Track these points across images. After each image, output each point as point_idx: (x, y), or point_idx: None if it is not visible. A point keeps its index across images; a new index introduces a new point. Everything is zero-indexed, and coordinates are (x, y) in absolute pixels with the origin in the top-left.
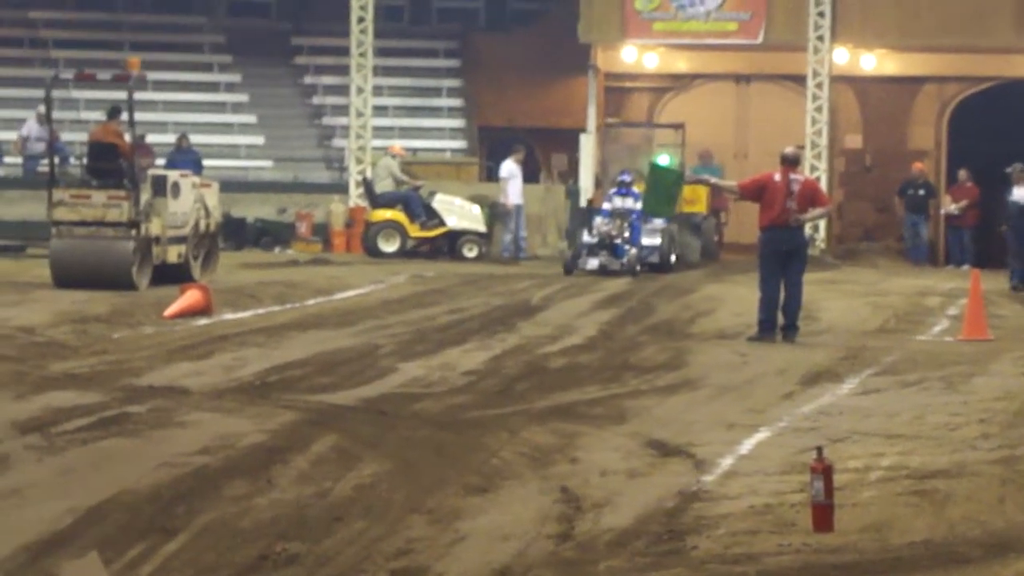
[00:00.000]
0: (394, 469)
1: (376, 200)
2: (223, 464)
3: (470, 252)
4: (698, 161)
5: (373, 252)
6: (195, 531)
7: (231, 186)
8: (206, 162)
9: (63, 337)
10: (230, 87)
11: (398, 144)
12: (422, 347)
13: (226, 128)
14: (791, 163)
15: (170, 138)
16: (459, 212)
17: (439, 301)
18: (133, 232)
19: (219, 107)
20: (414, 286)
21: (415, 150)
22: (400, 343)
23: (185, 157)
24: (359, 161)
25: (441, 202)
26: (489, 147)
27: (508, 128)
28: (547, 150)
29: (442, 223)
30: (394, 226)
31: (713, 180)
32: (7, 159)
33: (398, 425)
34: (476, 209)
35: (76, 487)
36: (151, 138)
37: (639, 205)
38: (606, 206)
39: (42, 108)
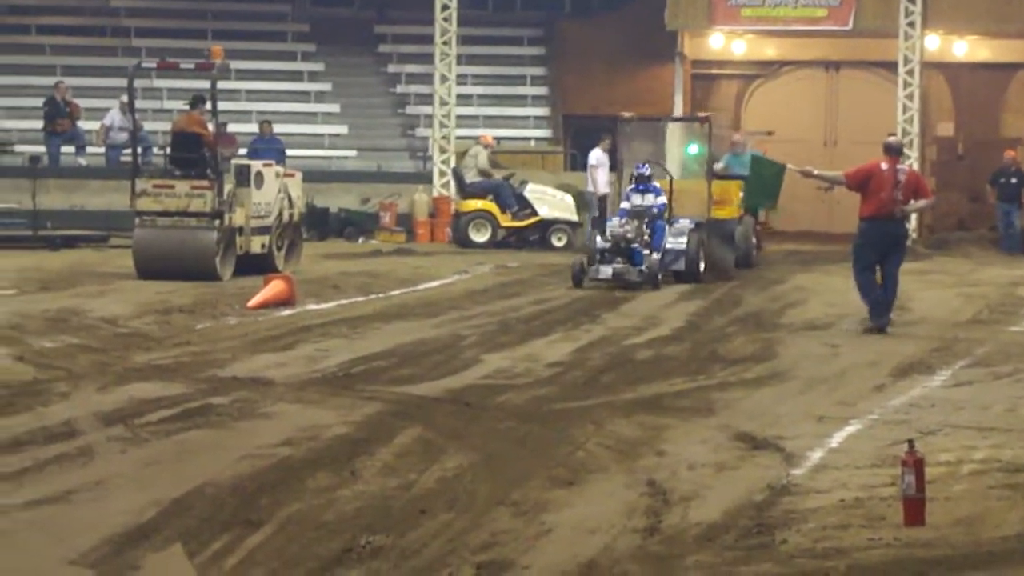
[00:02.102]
0: (479, 461)
1: (466, 190)
2: (307, 456)
3: (559, 241)
4: (728, 150)
5: (464, 242)
6: (279, 523)
7: (314, 175)
8: (289, 151)
9: (146, 328)
10: (314, 76)
11: (489, 134)
12: (506, 338)
13: (310, 117)
14: (895, 153)
15: (253, 127)
16: (551, 201)
17: (523, 292)
18: (216, 222)
19: (303, 96)
20: (498, 276)
21: (499, 139)
22: (484, 334)
23: (268, 146)
24: (443, 150)
25: (533, 191)
26: (574, 136)
27: (593, 116)
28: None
29: (534, 212)
30: (485, 216)
31: (816, 171)
32: (91, 149)
33: (482, 417)
34: (568, 198)
35: (159, 479)
36: (234, 127)
37: (660, 200)
38: (624, 205)
39: (124, 97)
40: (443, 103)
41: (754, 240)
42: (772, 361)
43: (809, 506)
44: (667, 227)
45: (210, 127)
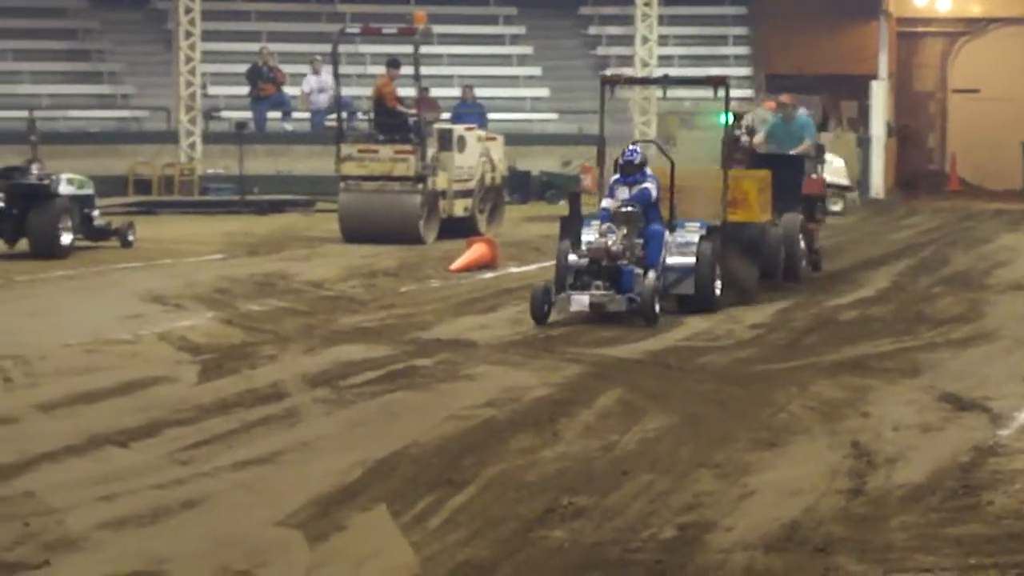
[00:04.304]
0: (680, 423)
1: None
2: (510, 417)
3: (835, 206)
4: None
5: None
6: (482, 484)
7: (516, 139)
8: (491, 115)
9: (352, 291)
10: (515, 39)
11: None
12: None
13: (511, 81)
14: None
15: (456, 92)
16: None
17: None
18: (420, 186)
19: (504, 60)
20: None
21: (700, 100)
22: None
23: (470, 111)
24: (643, 112)
25: None
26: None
27: (797, 76)
28: (837, 98)
29: None
30: None
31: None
32: (297, 114)
33: (684, 379)
34: (840, 162)
35: (365, 440)
36: (437, 92)
37: (646, 185)
38: (605, 204)
39: (318, 59)
40: (644, 64)
41: (803, 244)
42: (979, 321)
43: (1016, 467)
44: (666, 233)
45: (397, 91)
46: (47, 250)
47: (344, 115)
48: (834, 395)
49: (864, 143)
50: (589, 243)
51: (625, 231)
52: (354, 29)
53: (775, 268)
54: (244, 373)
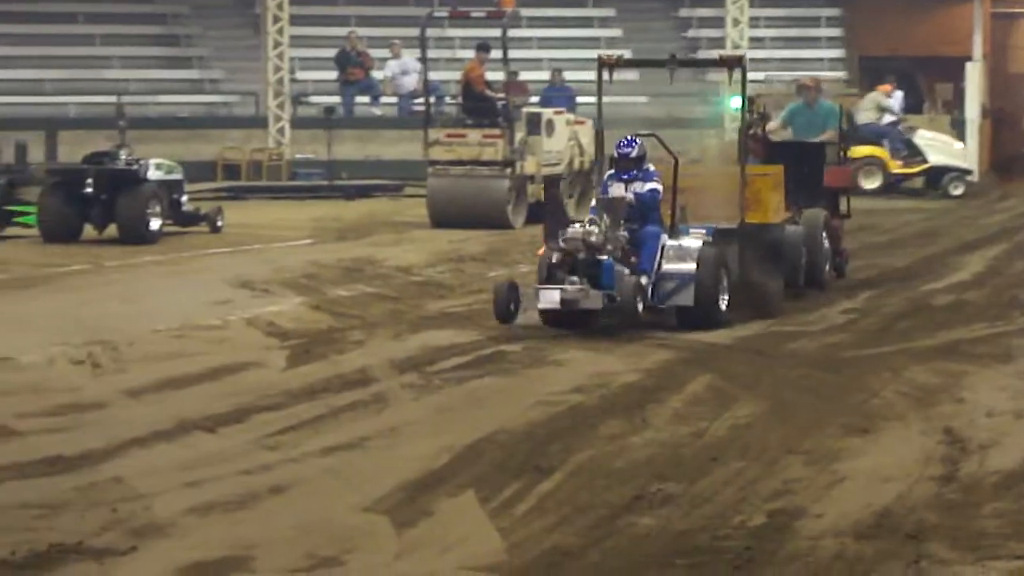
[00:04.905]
0: (770, 409)
1: (858, 133)
2: (598, 403)
3: (956, 190)
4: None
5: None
6: (570, 470)
7: (609, 122)
8: (580, 99)
9: (440, 276)
10: (604, 22)
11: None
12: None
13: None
14: None
15: (544, 75)
16: (942, 148)
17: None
18: (508, 171)
19: (593, 42)
20: None
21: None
22: None
23: (559, 94)
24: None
25: (923, 137)
26: (871, 78)
27: (890, 57)
28: (931, 79)
29: (924, 159)
30: (875, 162)
31: None
32: (385, 99)
33: (775, 365)
34: (959, 145)
35: (452, 426)
36: (525, 75)
37: (651, 187)
38: (610, 197)
39: (396, 43)
40: (735, 46)
41: (827, 245)
42: None
43: None
44: (663, 237)
45: (486, 76)
46: (136, 236)
47: (432, 99)
48: (927, 381)
49: (958, 125)
50: (563, 233)
51: (609, 222)
52: (442, 13)
53: (796, 272)
54: (332, 358)
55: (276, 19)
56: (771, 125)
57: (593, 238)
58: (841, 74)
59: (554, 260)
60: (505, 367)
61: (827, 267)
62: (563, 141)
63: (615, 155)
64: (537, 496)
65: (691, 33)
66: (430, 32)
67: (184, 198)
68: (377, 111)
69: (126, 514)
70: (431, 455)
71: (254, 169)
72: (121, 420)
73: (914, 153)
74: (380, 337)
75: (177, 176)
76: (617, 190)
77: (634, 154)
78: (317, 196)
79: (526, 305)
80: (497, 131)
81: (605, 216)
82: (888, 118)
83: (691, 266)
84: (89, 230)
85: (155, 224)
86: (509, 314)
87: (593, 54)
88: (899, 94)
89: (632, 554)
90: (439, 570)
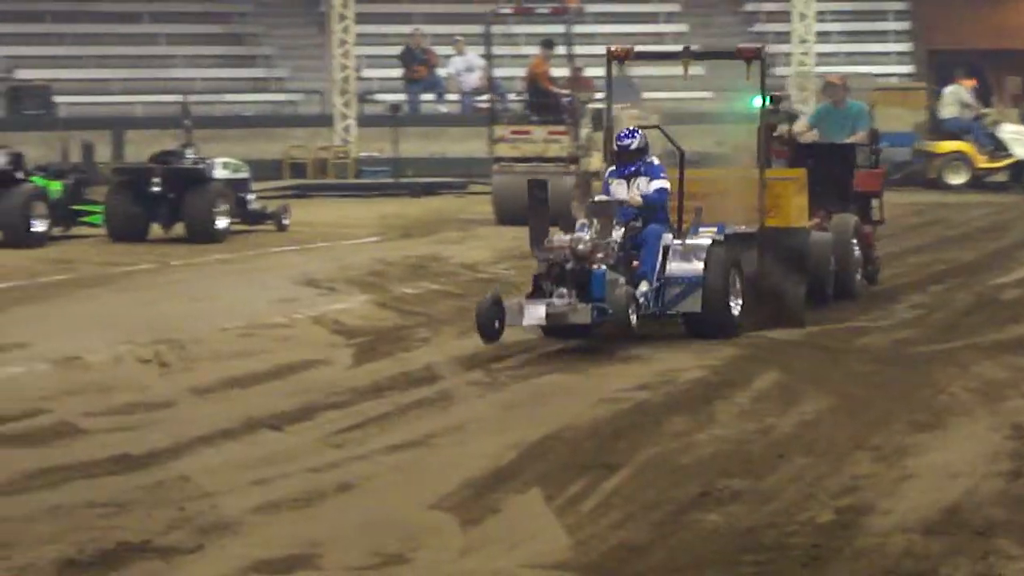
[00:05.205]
0: (838, 405)
1: (942, 128)
2: (663, 400)
3: None
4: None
5: (941, 186)
6: (636, 467)
7: (671, 117)
8: (645, 94)
9: (505, 273)
10: (669, 17)
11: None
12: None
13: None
14: None
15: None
16: None
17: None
18: (573, 167)
19: (658, 38)
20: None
21: (860, 75)
22: None
23: (624, 90)
24: (802, 89)
25: (1007, 131)
26: (938, 71)
27: (958, 51)
28: (999, 73)
29: (1009, 153)
30: (961, 157)
31: None
32: (451, 96)
33: (842, 360)
34: None
35: (518, 423)
36: (591, 72)
37: (657, 185)
38: (600, 200)
39: (460, 40)
40: (802, 41)
41: (858, 253)
42: None
43: None
44: (667, 236)
45: (551, 72)
46: (203, 234)
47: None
48: (995, 376)
49: None
50: (550, 241)
51: (600, 227)
52: (506, 9)
53: (825, 281)
54: (397, 356)
55: (341, 17)
56: (798, 126)
57: (581, 246)
58: (909, 68)
59: (540, 270)
60: (570, 364)
61: (858, 276)
62: None
63: (615, 148)
64: (603, 493)
65: (757, 28)
66: (494, 29)
67: (251, 196)
68: (443, 108)
69: (193, 512)
70: (497, 452)
71: (320, 167)
72: (188, 419)
73: (999, 147)
74: (445, 334)
75: (244, 175)
76: (619, 188)
77: (634, 146)
78: (383, 194)
79: (511, 321)
80: (562, 127)
81: (595, 221)
82: (969, 113)
83: (698, 268)
84: (156, 229)
85: (222, 223)
86: (494, 332)
87: (659, 50)
88: (972, 88)
89: (698, 551)
90: (505, 567)
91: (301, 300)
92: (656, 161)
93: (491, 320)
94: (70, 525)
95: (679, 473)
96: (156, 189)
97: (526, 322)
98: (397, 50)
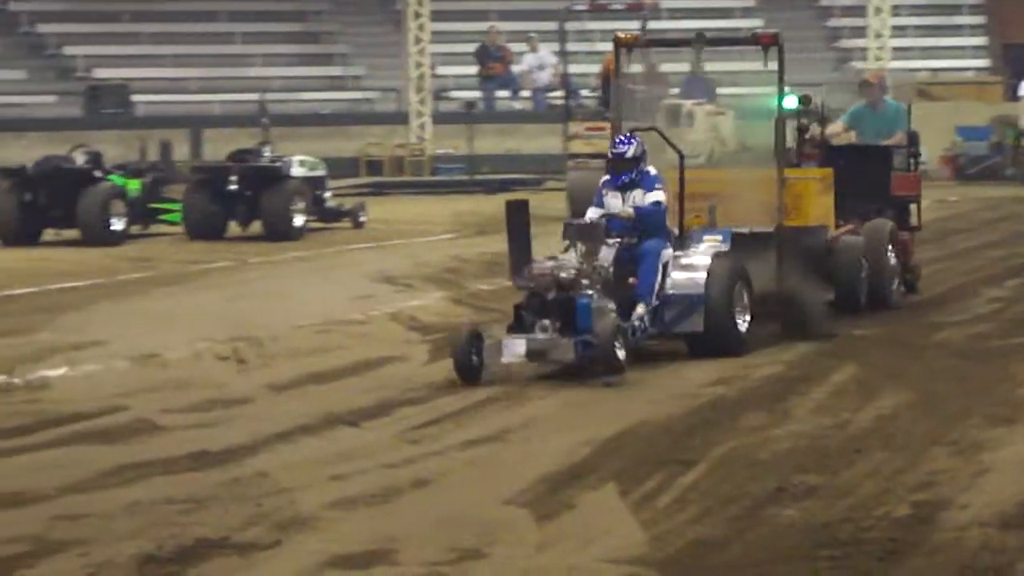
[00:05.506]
0: (915, 400)
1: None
2: (739, 395)
3: None
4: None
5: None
6: (711, 462)
7: (744, 112)
8: (719, 89)
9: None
10: (746, 12)
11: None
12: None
13: (741, 54)
14: None
15: (684, 66)
16: None
17: (964, 229)
18: None
19: (731, 32)
20: (934, 212)
21: (935, 70)
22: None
23: (698, 86)
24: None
25: None
26: (1015, 65)
27: None
28: None
29: None
30: None
31: None
32: (525, 93)
33: (920, 355)
34: None
35: (592, 419)
36: (665, 67)
37: (653, 199)
38: (591, 215)
39: (534, 37)
40: (877, 35)
41: (894, 260)
42: None
43: None
44: (666, 252)
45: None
46: (280, 232)
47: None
48: None
49: None
50: (530, 268)
51: (585, 250)
52: (582, 6)
53: (856, 289)
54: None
55: (417, 15)
56: (832, 128)
57: (564, 275)
58: (984, 62)
59: (522, 300)
60: (645, 360)
61: (895, 284)
62: (703, 132)
63: (609, 155)
64: (679, 488)
65: (832, 23)
66: (569, 26)
67: (327, 194)
68: (517, 105)
69: (270, 508)
70: (572, 448)
71: (396, 165)
72: (265, 415)
73: None
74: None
75: (320, 172)
76: (614, 200)
77: (629, 153)
78: (458, 191)
79: (489, 357)
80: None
81: (580, 245)
82: None
83: (699, 285)
84: (233, 227)
85: (299, 220)
86: (472, 369)
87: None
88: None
89: (775, 546)
90: (581, 563)
91: (377, 297)
92: (653, 171)
93: (469, 356)
94: (148, 521)
95: (755, 468)
96: (233, 187)
97: (504, 359)
98: (472, 47)
